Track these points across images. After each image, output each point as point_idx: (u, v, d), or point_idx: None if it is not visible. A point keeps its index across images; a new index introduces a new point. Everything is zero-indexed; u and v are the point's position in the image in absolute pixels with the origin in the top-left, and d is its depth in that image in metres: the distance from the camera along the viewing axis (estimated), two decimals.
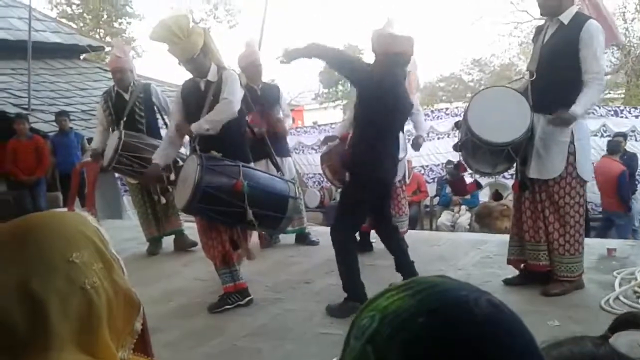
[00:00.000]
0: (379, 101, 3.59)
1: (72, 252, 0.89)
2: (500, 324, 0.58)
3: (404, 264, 3.87)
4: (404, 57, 3.70)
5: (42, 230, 0.90)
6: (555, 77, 3.57)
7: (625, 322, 0.82)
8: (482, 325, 0.57)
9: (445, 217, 9.02)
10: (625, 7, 17.53)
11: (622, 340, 0.81)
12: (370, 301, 0.64)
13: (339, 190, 10.78)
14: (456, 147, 3.84)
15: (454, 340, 0.56)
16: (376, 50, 3.72)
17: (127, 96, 5.57)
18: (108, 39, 21.11)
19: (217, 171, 3.84)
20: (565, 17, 3.58)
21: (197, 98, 4.10)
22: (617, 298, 3.62)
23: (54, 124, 8.84)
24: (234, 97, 4.00)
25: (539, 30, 3.82)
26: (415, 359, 0.56)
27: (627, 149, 8.57)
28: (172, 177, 4.63)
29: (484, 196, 9.23)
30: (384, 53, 3.67)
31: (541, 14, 3.76)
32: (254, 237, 5.66)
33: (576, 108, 3.49)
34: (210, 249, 4.06)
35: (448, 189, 9.56)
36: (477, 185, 4.19)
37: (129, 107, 5.48)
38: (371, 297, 0.65)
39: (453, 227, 8.75)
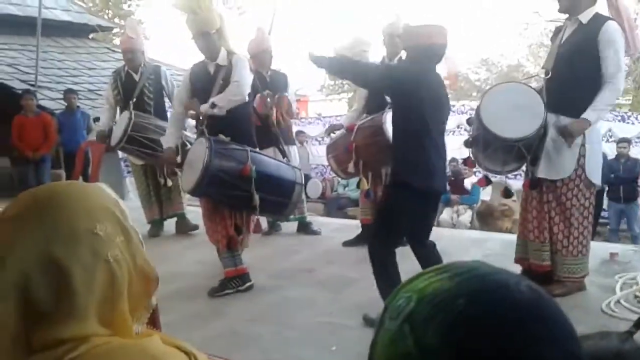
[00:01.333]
0: (421, 101, 3.23)
1: (95, 224, 0.89)
2: (542, 309, 0.58)
3: None
4: (438, 50, 3.34)
5: (67, 200, 0.89)
6: (571, 77, 3.55)
7: None
8: (525, 309, 0.57)
9: (447, 214, 9.05)
10: (637, 14, 17.45)
11: None
12: (405, 283, 0.63)
13: (341, 182, 10.89)
14: (467, 143, 3.83)
15: (496, 323, 0.55)
16: (406, 44, 3.44)
17: (137, 77, 5.57)
18: (116, 20, 21.04)
19: (225, 155, 3.84)
20: (584, 17, 3.56)
21: (205, 81, 4.10)
22: (618, 302, 3.61)
23: (61, 101, 8.83)
24: (244, 80, 4.01)
25: (558, 30, 3.80)
26: (455, 340, 0.55)
27: (631, 155, 8.59)
28: (179, 159, 4.63)
29: (485, 195, 9.23)
30: (415, 46, 3.33)
31: (559, 11, 3.73)
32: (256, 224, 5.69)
33: (589, 113, 3.48)
34: (214, 233, 4.07)
35: (448, 187, 9.60)
36: (487, 181, 4.15)
37: (138, 88, 5.49)
38: (406, 279, 0.64)
39: (454, 225, 8.77)
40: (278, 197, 4.03)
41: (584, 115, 3.49)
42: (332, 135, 5.42)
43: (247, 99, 4.05)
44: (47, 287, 0.83)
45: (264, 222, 5.70)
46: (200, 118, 4.06)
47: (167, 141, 4.33)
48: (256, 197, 3.82)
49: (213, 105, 3.92)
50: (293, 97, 5.77)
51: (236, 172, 3.81)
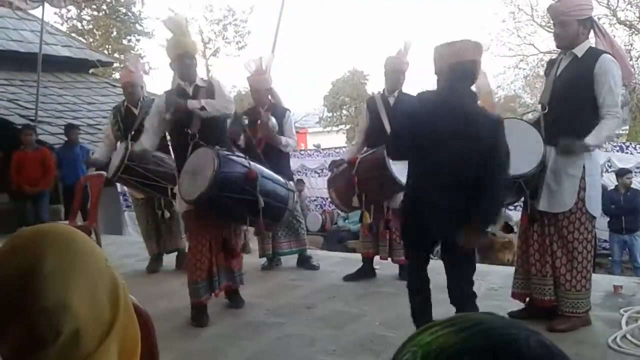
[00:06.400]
0: (424, 134, 3.05)
1: (104, 259, 0.93)
2: None
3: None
4: (470, 66, 3.03)
5: (84, 245, 0.92)
6: (568, 110, 3.56)
7: None
8: None
9: None
10: (631, 45, 17.69)
11: None
12: (412, 336, 0.61)
13: (341, 215, 10.84)
14: None
15: None
16: (439, 67, 3.10)
17: (136, 111, 5.60)
18: (116, 55, 21.27)
19: (230, 159, 3.98)
20: (579, 51, 3.59)
21: (186, 100, 4.17)
22: (624, 336, 3.55)
23: (60, 136, 8.85)
24: (230, 97, 4.31)
25: (552, 63, 3.82)
26: None
27: (633, 186, 8.57)
28: (176, 189, 4.59)
29: None
30: (448, 67, 3.03)
31: (557, 46, 3.77)
32: (255, 260, 5.64)
33: (589, 138, 3.48)
34: (198, 260, 4.14)
35: None
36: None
37: (137, 122, 5.49)
38: (413, 332, 0.62)
39: None
40: (277, 202, 4.17)
41: (585, 140, 3.49)
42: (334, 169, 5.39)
43: (231, 116, 4.32)
44: (92, 335, 0.85)
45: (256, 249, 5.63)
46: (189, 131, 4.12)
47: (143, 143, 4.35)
48: (261, 199, 3.94)
49: (202, 108, 4.08)
50: (292, 132, 5.59)
51: (243, 176, 3.93)
